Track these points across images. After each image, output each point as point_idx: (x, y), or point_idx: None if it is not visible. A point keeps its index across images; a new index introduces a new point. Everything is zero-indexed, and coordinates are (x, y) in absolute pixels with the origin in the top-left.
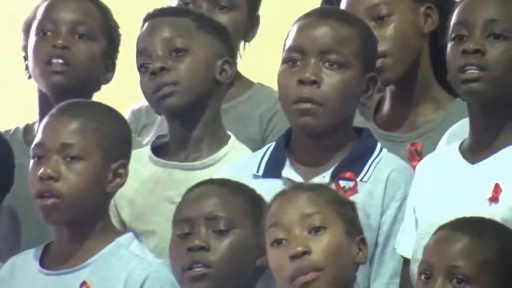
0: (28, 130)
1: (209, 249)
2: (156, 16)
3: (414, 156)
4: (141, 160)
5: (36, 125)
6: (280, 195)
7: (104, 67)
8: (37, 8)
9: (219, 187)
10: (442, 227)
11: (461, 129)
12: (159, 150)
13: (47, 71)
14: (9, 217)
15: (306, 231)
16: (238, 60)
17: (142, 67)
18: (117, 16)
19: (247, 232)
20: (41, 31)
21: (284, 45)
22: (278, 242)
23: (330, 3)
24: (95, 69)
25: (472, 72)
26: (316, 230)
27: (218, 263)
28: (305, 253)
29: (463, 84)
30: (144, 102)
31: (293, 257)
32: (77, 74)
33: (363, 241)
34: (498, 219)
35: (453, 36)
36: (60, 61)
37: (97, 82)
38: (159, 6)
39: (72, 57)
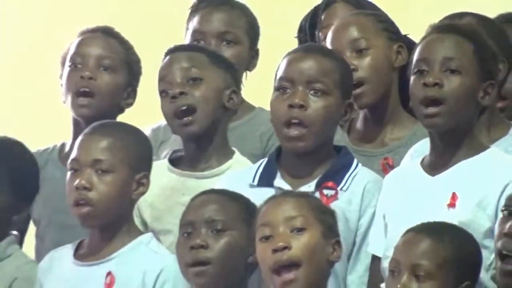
0: (62, 148)
1: (207, 247)
2: (176, 51)
3: (387, 168)
4: (161, 169)
5: (69, 144)
6: (271, 199)
7: (126, 94)
8: (71, 43)
9: (218, 195)
10: (409, 230)
11: (423, 147)
12: (175, 161)
13: (76, 104)
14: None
15: (289, 230)
16: (242, 86)
17: (163, 92)
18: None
19: (241, 234)
20: (72, 63)
21: (276, 75)
22: (265, 238)
23: (305, 34)
24: (117, 97)
25: (433, 108)
26: (297, 230)
27: (215, 259)
28: (286, 248)
29: (425, 118)
30: (161, 122)
31: (275, 251)
32: (100, 103)
33: (338, 243)
34: (455, 222)
35: (415, 70)
36: (85, 90)
37: (119, 106)
38: (177, 43)
39: (97, 87)
